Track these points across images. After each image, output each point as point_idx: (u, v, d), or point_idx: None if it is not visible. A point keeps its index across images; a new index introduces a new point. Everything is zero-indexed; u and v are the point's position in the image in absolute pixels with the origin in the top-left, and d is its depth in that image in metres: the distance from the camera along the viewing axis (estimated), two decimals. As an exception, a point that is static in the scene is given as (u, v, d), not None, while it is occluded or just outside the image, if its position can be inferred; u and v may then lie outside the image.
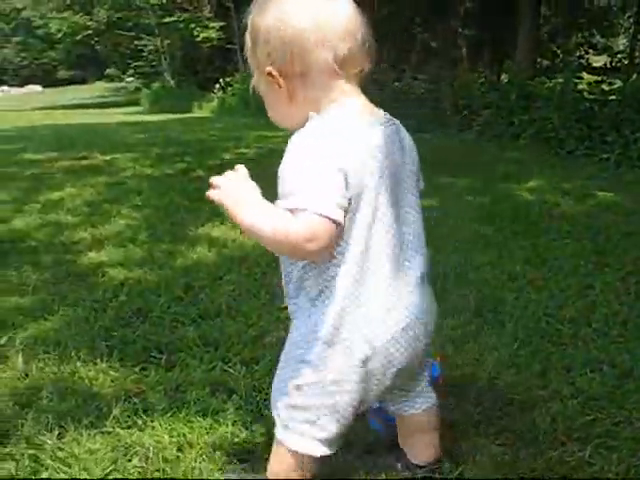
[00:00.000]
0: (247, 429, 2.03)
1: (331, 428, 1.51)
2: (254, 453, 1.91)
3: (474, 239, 4.13)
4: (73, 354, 2.57)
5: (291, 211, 1.32)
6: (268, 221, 1.33)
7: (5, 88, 65.67)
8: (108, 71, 41.45)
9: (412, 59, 16.43)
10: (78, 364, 2.49)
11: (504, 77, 12.59)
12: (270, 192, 1.38)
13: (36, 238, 4.41)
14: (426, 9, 15.22)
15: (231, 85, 21.86)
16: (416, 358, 1.56)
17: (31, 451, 1.91)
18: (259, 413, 2.12)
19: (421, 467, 1.82)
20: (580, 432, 2.00)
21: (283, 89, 1.44)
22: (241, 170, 1.44)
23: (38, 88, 64.01)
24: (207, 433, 2.01)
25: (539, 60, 13.25)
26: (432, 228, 4.27)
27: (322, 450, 1.54)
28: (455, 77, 12.11)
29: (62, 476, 1.82)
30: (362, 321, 1.44)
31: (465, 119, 10.96)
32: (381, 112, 1.52)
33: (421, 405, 1.75)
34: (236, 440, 1.98)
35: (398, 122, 1.55)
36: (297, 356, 1.50)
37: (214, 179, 1.40)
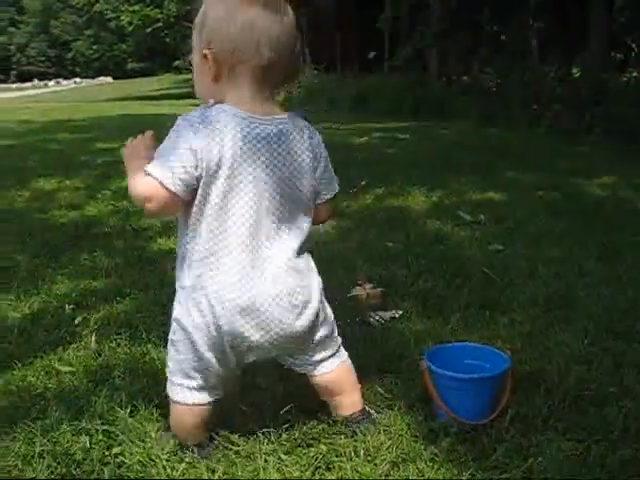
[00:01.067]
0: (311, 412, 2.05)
1: (200, 377, 1.78)
2: (317, 439, 1.92)
3: (544, 234, 4.05)
4: (144, 336, 2.63)
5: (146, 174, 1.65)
6: (132, 180, 1.72)
7: (77, 79, 67.38)
8: (176, 63, 42.09)
9: (480, 52, 16.16)
10: (149, 346, 2.54)
11: (575, 71, 12.29)
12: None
13: (108, 224, 4.53)
14: (495, 1, 14.95)
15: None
16: (280, 338, 1.75)
17: (105, 427, 1.97)
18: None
19: (345, 418, 1.95)
20: (654, 430, 1.95)
21: (211, 70, 1.70)
22: (147, 133, 1.81)
23: (109, 80, 65.50)
24: (278, 418, 2.03)
25: (612, 54, 12.86)
26: (500, 221, 4.27)
27: (196, 398, 1.81)
28: (524, 70, 11.87)
29: (135, 450, 1.86)
30: (213, 288, 1.69)
31: (535, 113, 10.75)
32: (277, 116, 1.73)
33: (325, 369, 1.91)
34: (305, 429, 1.98)
35: (297, 126, 1.76)
36: (173, 315, 1.80)
37: (128, 140, 1.82)
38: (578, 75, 11.40)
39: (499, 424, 1.96)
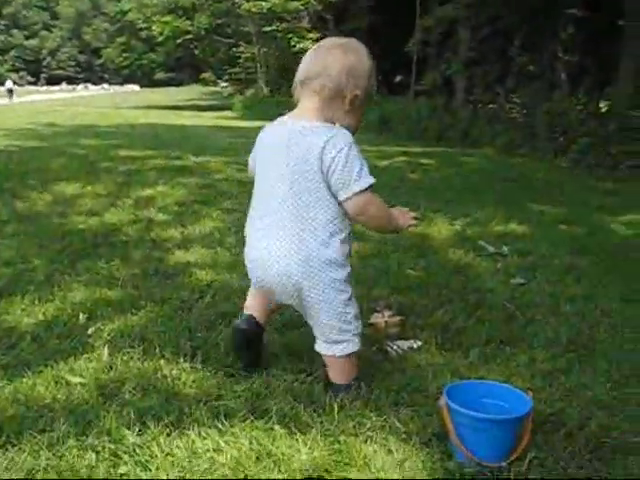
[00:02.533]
0: (326, 442, 1.99)
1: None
2: (329, 472, 1.87)
3: (567, 271, 3.97)
4: (157, 351, 2.58)
5: None
6: None
7: (106, 86, 68.12)
8: (203, 75, 42.39)
9: (508, 82, 16.15)
10: (162, 362, 2.50)
11: (604, 105, 12.22)
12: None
13: (127, 233, 4.51)
14: (526, 32, 14.97)
15: (323, 96, 21.99)
16: (271, 285, 2.29)
17: (112, 445, 1.92)
18: (339, 429, 2.07)
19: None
20: (679, 485, 1.87)
21: None
22: None
23: (136, 88, 66.16)
24: (285, 444, 1.97)
25: (641, 89, 12.78)
26: (523, 254, 4.20)
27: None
28: (552, 102, 11.81)
29: (139, 472, 1.81)
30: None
31: (560, 146, 10.68)
32: (297, 123, 2.26)
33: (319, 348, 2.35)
34: (315, 453, 1.93)
35: (308, 135, 2.20)
36: None
37: None
38: (606, 109, 11.31)
39: (517, 467, 1.90)
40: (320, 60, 2.26)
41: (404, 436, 2.04)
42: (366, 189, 2.19)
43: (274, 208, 2.23)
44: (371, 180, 2.20)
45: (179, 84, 66.29)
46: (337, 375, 2.32)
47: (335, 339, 2.28)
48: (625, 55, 11.62)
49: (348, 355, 2.30)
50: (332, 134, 2.16)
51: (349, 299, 2.29)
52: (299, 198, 2.18)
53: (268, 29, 24.54)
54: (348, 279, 2.29)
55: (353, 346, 2.30)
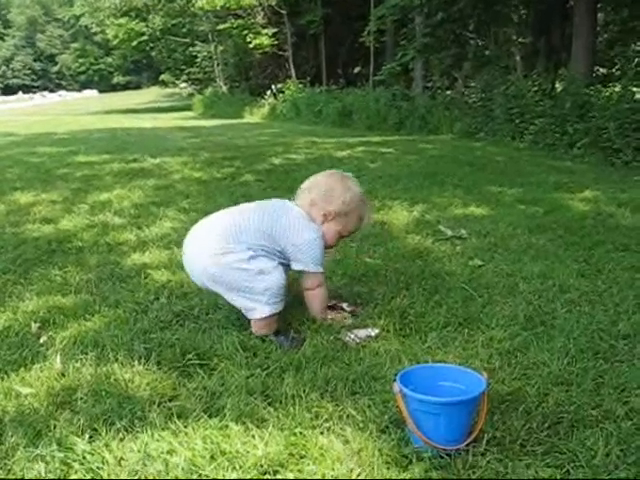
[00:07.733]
0: (282, 438, 1.96)
1: None
2: (284, 466, 1.84)
3: (525, 249, 3.99)
4: (111, 355, 2.53)
5: None
6: None
7: (63, 92, 67.23)
8: (162, 77, 42.04)
9: (465, 66, 16.21)
10: (115, 366, 2.45)
11: (559, 85, 12.32)
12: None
13: (82, 238, 4.43)
14: (480, 17, 15.02)
15: (282, 92, 21.93)
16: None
17: (61, 454, 1.87)
18: (295, 422, 2.04)
19: None
20: (635, 455, 1.87)
21: None
22: None
23: (94, 93, 65.41)
24: (240, 441, 1.94)
25: (595, 68, 12.89)
26: (481, 236, 4.21)
27: None
28: (508, 85, 11.87)
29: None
30: None
31: (518, 127, 10.75)
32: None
33: None
34: (269, 449, 1.90)
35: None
36: None
37: None
38: (561, 90, 11.40)
39: (475, 449, 1.89)
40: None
41: (361, 425, 2.02)
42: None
43: None
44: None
45: (138, 87, 65.74)
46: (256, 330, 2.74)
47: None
48: (576, 35, 11.70)
49: (259, 319, 2.72)
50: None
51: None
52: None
53: (223, 27, 24.32)
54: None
55: (261, 313, 2.70)
